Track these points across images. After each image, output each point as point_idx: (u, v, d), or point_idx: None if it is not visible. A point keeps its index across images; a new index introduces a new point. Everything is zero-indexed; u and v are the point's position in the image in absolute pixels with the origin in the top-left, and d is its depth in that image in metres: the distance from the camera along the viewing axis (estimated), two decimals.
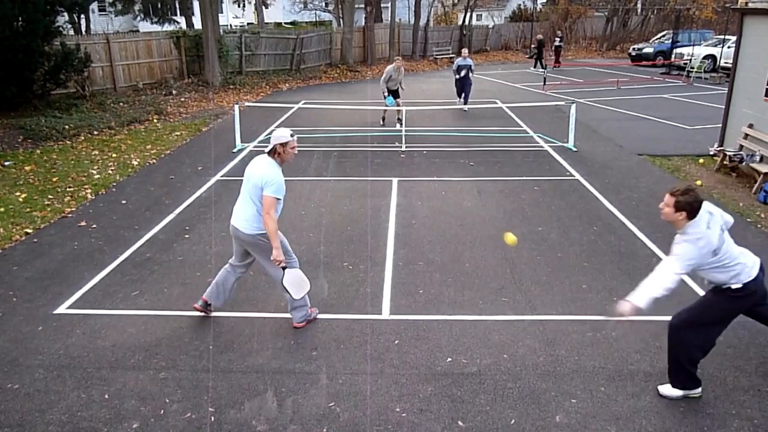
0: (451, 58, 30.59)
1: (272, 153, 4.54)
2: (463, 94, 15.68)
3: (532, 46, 27.30)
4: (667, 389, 4.04)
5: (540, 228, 7.09)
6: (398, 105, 13.44)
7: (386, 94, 13.14)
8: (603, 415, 3.85)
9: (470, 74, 15.48)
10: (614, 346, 4.63)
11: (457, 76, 15.61)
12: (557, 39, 28.33)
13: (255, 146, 11.54)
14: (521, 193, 8.41)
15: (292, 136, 4.56)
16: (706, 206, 3.77)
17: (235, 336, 4.80)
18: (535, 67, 26.89)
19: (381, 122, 13.79)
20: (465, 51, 16.12)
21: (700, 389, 4.03)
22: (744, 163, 9.12)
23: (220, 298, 4.99)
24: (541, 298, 5.38)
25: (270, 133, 12.81)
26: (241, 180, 4.79)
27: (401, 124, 13.32)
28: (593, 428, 3.74)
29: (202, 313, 5.03)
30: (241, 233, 4.61)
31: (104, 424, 3.79)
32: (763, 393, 4.06)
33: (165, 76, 19.02)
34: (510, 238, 4.83)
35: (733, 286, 3.77)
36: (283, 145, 4.51)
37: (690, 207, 3.67)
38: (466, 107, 15.46)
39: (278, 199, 4.50)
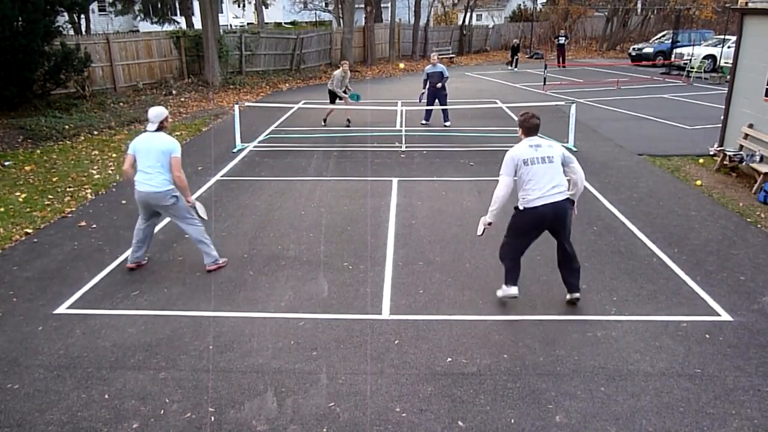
0: (451, 58, 30.64)
1: (161, 128, 5.77)
2: (441, 109, 13.37)
3: (515, 44, 28.27)
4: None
5: None
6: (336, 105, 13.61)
7: (347, 94, 13.42)
8: (603, 415, 3.85)
9: (440, 84, 13.00)
10: (614, 346, 4.63)
11: (424, 90, 13.30)
12: (561, 37, 28.40)
13: (255, 146, 11.55)
14: None
15: (167, 110, 5.88)
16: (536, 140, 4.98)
17: (235, 336, 4.80)
18: (516, 67, 28.01)
19: (323, 123, 13.71)
20: (434, 56, 13.51)
21: (514, 290, 5.17)
22: (744, 163, 9.12)
23: (142, 250, 6.07)
24: (541, 298, 5.38)
25: (270, 133, 12.85)
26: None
27: (349, 124, 13.58)
28: (593, 428, 3.73)
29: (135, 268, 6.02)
30: (151, 195, 5.69)
31: (104, 424, 3.79)
32: (763, 393, 4.06)
33: (165, 76, 19.03)
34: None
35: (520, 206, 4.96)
36: (167, 119, 5.80)
37: (522, 126, 5.03)
38: (448, 123, 13.33)
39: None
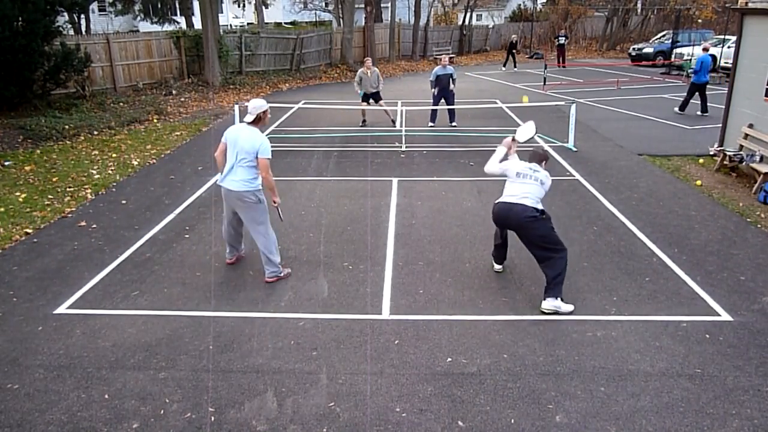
0: (451, 58, 30.59)
1: (256, 122, 5.38)
2: (448, 110, 13.47)
3: (513, 41, 27.98)
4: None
5: None
6: (381, 106, 13.55)
7: (360, 93, 13.49)
8: (603, 415, 3.85)
9: (452, 85, 13.23)
10: (614, 346, 4.63)
11: (434, 90, 13.16)
12: (561, 37, 28.35)
13: None
14: None
15: (267, 103, 5.52)
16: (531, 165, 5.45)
17: (235, 336, 4.80)
18: (504, 66, 27.81)
19: (393, 124, 13.67)
20: (445, 58, 13.60)
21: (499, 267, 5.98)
22: (744, 163, 9.13)
23: (238, 247, 6.04)
24: (541, 298, 5.37)
25: (270, 133, 12.84)
26: None
27: (395, 125, 13.46)
28: (593, 428, 3.74)
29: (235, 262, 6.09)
30: (233, 193, 5.42)
31: (104, 424, 3.79)
32: (763, 393, 4.06)
33: (165, 76, 19.02)
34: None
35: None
36: (266, 112, 5.44)
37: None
38: (455, 123, 13.45)
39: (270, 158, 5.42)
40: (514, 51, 27.82)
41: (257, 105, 5.37)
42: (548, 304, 5.09)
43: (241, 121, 5.49)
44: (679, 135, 12.48)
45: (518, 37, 30.27)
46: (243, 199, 5.42)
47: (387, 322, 5.01)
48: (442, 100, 13.33)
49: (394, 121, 13.70)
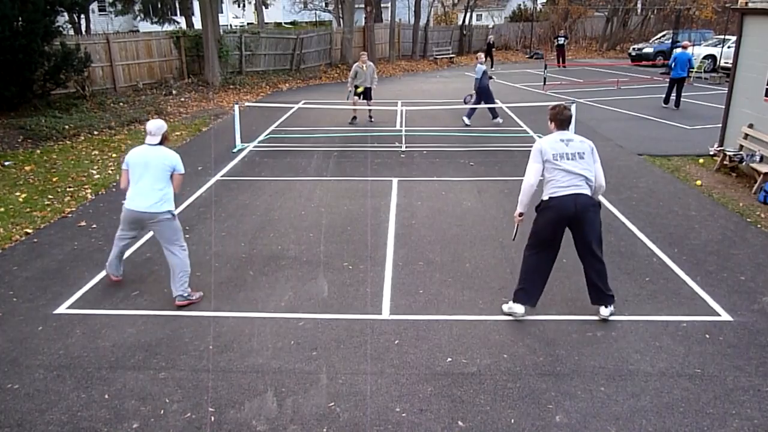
0: (451, 58, 30.66)
1: (161, 142, 5.35)
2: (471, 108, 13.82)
3: (491, 42, 28.41)
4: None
5: None
6: (368, 104, 13.78)
7: (351, 90, 13.54)
8: (603, 415, 3.85)
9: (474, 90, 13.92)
10: (614, 346, 4.63)
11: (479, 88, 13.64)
12: (561, 38, 28.36)
13: (255, 146, 11.55)
14: None
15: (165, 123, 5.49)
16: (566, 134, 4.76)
17: (235, 336, 4.80)
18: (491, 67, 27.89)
19: (351, 120, 13.90)
20: (481, 55, 14.68)
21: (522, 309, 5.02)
22: (744, 163, 9.13)
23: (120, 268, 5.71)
24: (541, 298, 5.37)
25: (270, 133, 12.85)
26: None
27: (371, 120, 13.81)
28: (593, 428, 3.73)
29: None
30: (147, 214, 5.17)
31: (104, 424, 3.79)
32: (763, 393, 4.06)
33: (165, 76, 19.02)
34: None
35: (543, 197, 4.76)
36: (167, 131, 5.40)
37: (554, 119, 4.80)
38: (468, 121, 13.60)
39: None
40: (492, 51, 28.08)
41: (158, 126, 5.30)
42: (607, 311, 4.92)
43: (144, 141, 5.36)
44: (679, 135, 12.48)
45: (495, 38, 30.64)
46: (158, 219, 5.15)
47: (387, 322, 5.01)
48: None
49: (371, 117, 14.16)
